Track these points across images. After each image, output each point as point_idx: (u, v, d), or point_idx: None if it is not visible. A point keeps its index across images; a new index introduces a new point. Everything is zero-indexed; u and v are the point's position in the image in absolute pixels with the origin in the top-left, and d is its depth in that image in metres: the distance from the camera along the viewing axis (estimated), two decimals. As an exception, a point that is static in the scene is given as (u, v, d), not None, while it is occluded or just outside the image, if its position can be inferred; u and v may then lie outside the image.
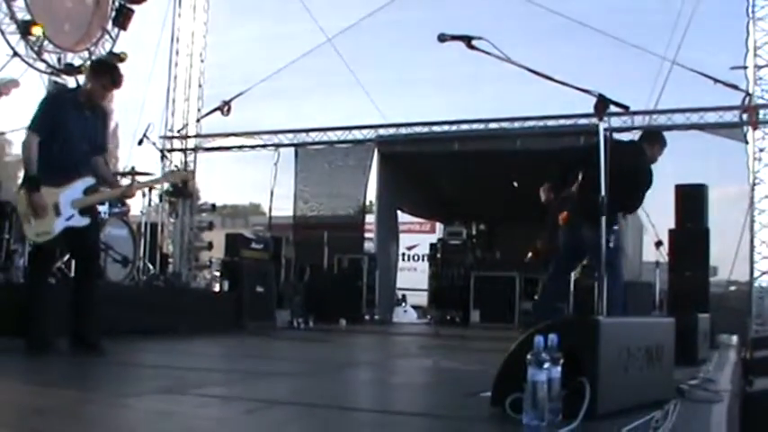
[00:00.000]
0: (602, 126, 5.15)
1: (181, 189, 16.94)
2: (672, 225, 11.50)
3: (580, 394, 3.37)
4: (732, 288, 14.66)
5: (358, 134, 18.15)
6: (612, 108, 5.06)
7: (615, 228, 7.81)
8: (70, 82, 13.09)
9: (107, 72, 6.51)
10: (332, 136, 18.37)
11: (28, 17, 13.23)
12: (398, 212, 20.07)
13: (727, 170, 14.91)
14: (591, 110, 5.14)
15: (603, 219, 5.11)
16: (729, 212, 14.51)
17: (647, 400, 3.83)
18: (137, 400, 4.12)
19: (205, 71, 19.07)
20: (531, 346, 3.32)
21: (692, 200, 11.34)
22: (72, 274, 7.53)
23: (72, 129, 6.22)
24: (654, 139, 8.57)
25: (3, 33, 13.11)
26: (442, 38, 4.71)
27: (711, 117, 14.91)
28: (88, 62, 14.46)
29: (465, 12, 16.06)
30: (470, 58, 5.50)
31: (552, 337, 3.34)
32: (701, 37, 14.99)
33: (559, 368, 3.34)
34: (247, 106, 17.95)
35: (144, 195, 11.89)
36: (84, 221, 6.27)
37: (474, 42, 4.69)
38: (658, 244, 12.13)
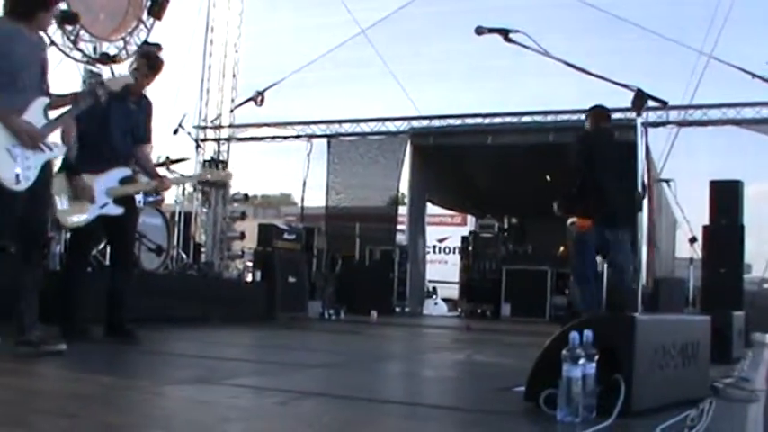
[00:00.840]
0: (639, 121, 5.11)
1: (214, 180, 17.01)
2: (706, 221, 11.40)
3: (615, 391, 3.35)
4: (766, 285, 14.53)
5: (391, 126, 18.16)
6: (649, 102, 5.03)
7: None
8: (105, 71, 13.17)
9: (150, 60, 6.60)
10: (365, 127, 18.39)
11: (64, 7, 13.32)
12: (429, 204, 20.06)
13: (764, 166, 14.76)
14: (624, 104, 5.10)
15: (643, 214, 5.06)
16: (765, 209, 14.39)
17: (682, 398, 3.80)
18: (172, 389, 4.15)
19: (239, 61, 19.13)
20: (566, 341, 3.30)
21: (727, 196, 11.21)
22: (107, 263, 7.59)
23: (114, 118, 6.26)
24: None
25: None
26: (480, 31, 4.70)
27: (748, 112, 14.78)
28: (123, 51, 14.57)
29: (499, 3, 15.95)
30: (505, 51, 5.49)
31: (587, 333, 3.33)
32: (739, 31, 14.82)
33: (594, 364, 3.33)
34: (281, 97, 17.98)
35: (178, 185, 11.95)
36: (117, 210, 6.30)
37: (511, 36, 4.67)
38: (692, 240, 12.02)
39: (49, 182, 5.35)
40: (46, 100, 5.15)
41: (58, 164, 5.85)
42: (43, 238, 5.50)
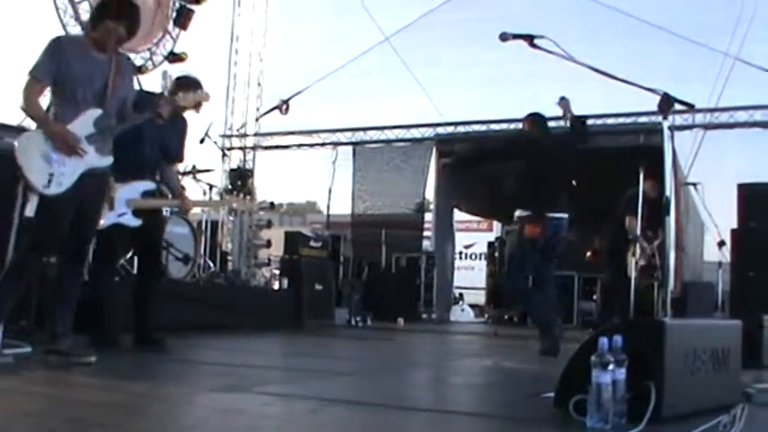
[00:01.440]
0: (665, 124, 5.09)
1: (240, 187, 17.07)
2: (734, 224, 11.32)
3: (645, 397, 3.34)
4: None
5: (416, 133, 18.18)
6: (675, 106, 5.00)
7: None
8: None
9: (190, 86, 6.66)
10: (390, 134, 18.41)
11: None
12: (456, 211, 20.03)
13: (792, 168, 14.67)
14: (651, 107, 5.09)
15: (670, 218, 5.02)
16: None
17: (714, 403, 3.77)
18: (202, 397, 4.17)
19: (264, 70, 19.23)
20: (595, 347, 3.29)
21: (755, 199, 11.13)
22: (135, 272, 7.63)
23: (147, 133, 6.30)
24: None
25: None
26: (504, 37, 4.70)
27: (776, 115, 14.68)
28: (149, 62, 14.67)
29: (523, 9, 16.00)
30: (529, 57, 5.48)
31: (617, 339, 3.32)
32: (766, 32, 14.74)
33: (624, 370, 3.31)
34: (306, 105, 18.07)
35: (204, 193, 12.01)
36: (134, 222, 6.32)
37: (536, 41, 4.66)
38: (721, 244, 11.94)
39: (97, 190, 5.43)
40: (98, 111, 5.22)
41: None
42: (87, 247, 5.56)
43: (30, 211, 5.35)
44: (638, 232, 9.99)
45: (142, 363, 5.80)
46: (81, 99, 5.16)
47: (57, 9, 13.26)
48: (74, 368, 4.83)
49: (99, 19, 5.24)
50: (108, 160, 5.42)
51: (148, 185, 6.51)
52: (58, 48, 5.17)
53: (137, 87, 6.02)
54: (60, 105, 5.14)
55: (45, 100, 5.25)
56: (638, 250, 10.20)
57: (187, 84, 6.71)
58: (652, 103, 4.90)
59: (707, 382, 3.81)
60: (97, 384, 4.36)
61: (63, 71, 5.09)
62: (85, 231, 5.38)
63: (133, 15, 5.33)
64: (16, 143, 5.07)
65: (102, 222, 6.21)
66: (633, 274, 10.06)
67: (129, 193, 6.34)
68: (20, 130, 7.12)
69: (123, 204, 6.30)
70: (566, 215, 8.37)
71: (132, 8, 5.35)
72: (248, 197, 6.32)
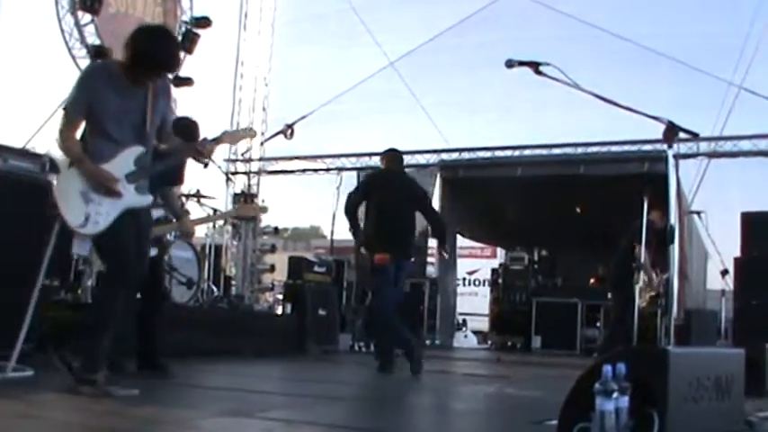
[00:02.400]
0: (670, 152, 5.09)
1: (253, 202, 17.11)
2: (738, 253, 11.31)
3: (648, 425, 3.33)
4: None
5: (420, 158, 18.17)
6: (680, 134, 5.01)
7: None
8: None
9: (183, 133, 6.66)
10: (394, 160, 18.39)
11: (97, 41, 13.50)
12: (459, 237, 20.02)
13: (796, 198, 14.63)
14: (655, 135, 5.10)
15: (674, 247, 5.01)
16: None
17: (717, 431, 3.77)
18: (205, 422, 4.16)
19: (269, 95, 19.28)
20: (598, 374, 3.29)
21: (758, 227, 11.12)
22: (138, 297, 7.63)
23: None
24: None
25: (74, 59, 13.39)
26: (510, 63, 4.71)
27: (780, 144, 14.68)
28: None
29: (527, 35, 16.00)
30: (534, 83, 5.49)
31: (620, 367, 3.31)
32: (770, 61, 14.75)
33: (627, 398, 3.30)
34: (310, 130, 18.07)
35: (207, 222, 12.02)
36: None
37: (542, 68, 4.68)
38: (724, 272, 11.93)
39: (148, 230, 5.42)
40: (140, 149, 5.14)
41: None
42: (137, 282, 5.43)
43: (78, 248, 5.31)
44: (643, 260, 9.96)
45: (146, 388, 5.78)
46: (117, 133, 5.06)
47: (62, 32, 13.32)
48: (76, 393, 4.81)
49: (144, 66, 5.02)
50: (147, 199, 5.35)
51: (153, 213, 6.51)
52: (90, 80, 5.10)
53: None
54: (95, 140, 5.04)
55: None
56: (641, 277, 10.17)
57: (187, 128, 6.73)
58: (656, 130, 4.91)
59: (710, 410, 3.80)
60: (102, 409, 4.36)
61: (97, 105, 4.98)
62: (140, 264, 5.30)
63: (179, 59, 5.24)
64: (54, 181, 5.06)
65: (81, 252, 6.21)
66: (638, 303, 10.04)
67: None
68: (25, 153, 7.18)
69: None
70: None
71: (178, 53, 5.25)
72: (253, 202, 6.25)
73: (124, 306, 5.16)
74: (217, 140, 5.69)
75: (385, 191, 8.84)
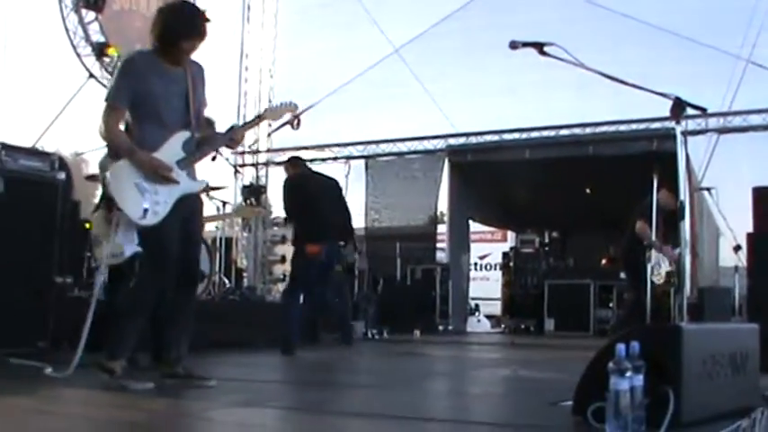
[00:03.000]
0: (678, 129, 5.06)
1: (254, 204, 17.11)
2: (750, 229, 11.25)
3: (664, 403, 3.32)
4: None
5: (428, 144, 18.17)
6: (688, 110, 4.98)
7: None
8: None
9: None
10: (402, 147, 18.42)
11: (102, 39, 13.51)
12: (470, 222, 20.02)
13: (808, 171, 14.56)
14: (663, 113, 5.06)
15: (685, 223, 4.98)
16: (811, 214, 14.16)
17: (733, 408, 3.75)
18: (219, 413, 4.17)
19: (275, 86, 19.27)
20: (612, 354, 3.27)
21: (770, 202, 11.06)
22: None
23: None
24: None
25: (79, 57, 13.41)
26: (514, 45, 4.68)
27: (790, 117, 14.61)
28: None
29: (531, 18, 15.92)
30: (539, 65, 5.47)
31: (634, 345, 3.30)
32: (777, 34, 14.66)
33: (642, 376, 3.29)
34: (317, 119, 18.05)
35: (218, 210, 12.04)
36: None
37: (546, 48, 4.65)
38: (737, 248, 11.87)
39: (194, 210, 5.34)
40: (187, 134, 5.12)
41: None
42: (197, 269, 5.45)
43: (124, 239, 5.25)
44: (654, 238, 9.91)
45: (160, 380, 5.79)
46: (164, 120, 5.02)
47: (67, 31, 13.35)
48: (94, 387, 4.81)
49: (173, 39, 5.03)
50: (201, 183, 5.34)
51: None
52: (132, 68, 5.01)
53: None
54: (141, 128, 4.98)
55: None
56: (653, 255, 10.13)
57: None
58: (664, 108, 4.87)
59: (725, 387, 3.79)
60: (115, 403, 4.36)
61: (141, 92, 4.94)
62: (192, 253, 5.28)
63: (206, 26, 5.20)
64: (107, 174, 4.94)
65: (124, 255, 6.19)
66: (655, 281, 10.01)
67: None
68: (34, 152, 7.18)
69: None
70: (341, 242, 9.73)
71: (204, 18, 5.20)
72: (257, 200, 6.16)
73: (177, 301, 5.15)
74: (254, 121, 5.68)
75: (307, 191, 9.39)
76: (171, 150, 5.04)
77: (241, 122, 17.85)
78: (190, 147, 5.14)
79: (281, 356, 8.50)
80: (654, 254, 10.10)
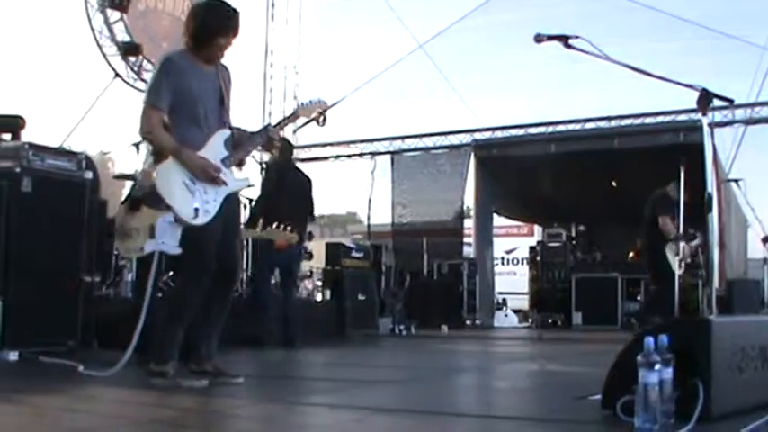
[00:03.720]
0: (705, 121, 5.03)
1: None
2: (779, 220, 11.19)
3: (693, 396, 3.30)
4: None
5: (454, 139, 18.16)
6: (714, 102, 4.95)
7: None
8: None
9: None
10: (427, 142, 18.42)
11: (128, 39, 13.58)
12: (496, 216, 19.98)
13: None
14: (688, 105, 5.05)
15: (713, 215, 4.94)
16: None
17: (764, 400, 3.73)
18: (247, 410, 4.19)
19: (300, 83, 19.30)
20: (640, 347, 3.26)
21: (799, 193, 11.00)
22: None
23: None
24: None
25: (105, 56, 13.49)
26: (539, 38, 4.67)
27: (818, 108, 14.49)
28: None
29: (556, 11, 15.88)
30: (564, 58, 5.47)
31: (662, 338, 3.28)
32: (805, 24, 14.55)
33: (671, 369, 3.28)
34: (343, 116, 18.09)
35: (245, 207, 12.07)
36: (175, 251, 6.08)
37: (571, 42, 4.63)
38: (765, 240, 11.81)
39: (237, 215, 5.36)
40: (227, 133, 5.13)
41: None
42: (238, 267, 5.47)
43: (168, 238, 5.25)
44: (676, 231, 9.90)
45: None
46: (202, 119, 5.03)
47: (92, 30, 13.42)
48: (121, 386, 4.85)
49: (209, 35, 5.05)
50: (245, 182, 5.38)
51: None
52: (171, 68, 4.99)
53: None
54: (184, 127, 4.96)
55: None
56: (677, 247, 10.10)
57: None
58: (691, 100, 4.84)
59: (756, 379, 3.77)
60: (143, 401, 4.39)
61: (180, 92, 4.93)
62: (233, 251, 5.27)
63: (239, 22, 5.22)
64: (155, 175, 4.89)
65: (144, 248, 6.19)
66: (678, 272, 9.98)
67: (168, 220, 6.25)
68: (61, 152, 7.23)
69: (164, 232, 6.20)
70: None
71: (238, 15, 5.22)
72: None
73: (215, 300, 5.14)
74: (289, 118, 5.68)
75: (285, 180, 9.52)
76: (214, 149, 5.04)
77: (266, 120, 17.90)
78: (229, 145, 5.14)
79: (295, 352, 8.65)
80: (674, 247, 10.10)
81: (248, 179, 5.44)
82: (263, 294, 9.48)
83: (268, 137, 5.48)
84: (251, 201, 12.19)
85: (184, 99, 4.97)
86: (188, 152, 4.91)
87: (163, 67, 5.06)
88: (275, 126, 5.61)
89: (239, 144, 5.26)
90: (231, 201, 5.20)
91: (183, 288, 5.05)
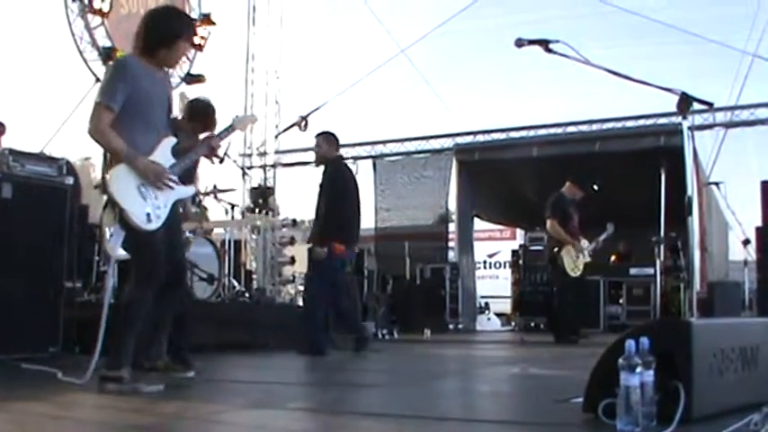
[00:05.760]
0: (685, 124, 5.06)
1: (262, 205, 17.09)
2: (759, 222, 11.23)
3: (675, 398, 3.32)
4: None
5: (435, 143, 18.19)
6: (695, 105, 4.98)
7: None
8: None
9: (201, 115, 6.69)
10: (409, 146, 18.44)
11: (109, 43, 13.53)
12: (478, 220, 20.01)
13: (815, 165, 14.58)
14: (669, 109, 5.07)
15: (693, 218, 4.96)
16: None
17: (745, 402, 3.75)
18: (230, 416, 4.18)
19: (281, 87, 19.28)
20: (621, 350, 3.28)
21: (779, 196, 11.05)
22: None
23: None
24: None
25: (86, 61, 13.43)
26: (520, 43, 4.69)
27: (797, 110, 14.59)
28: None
29: (536, 16, 16.00)
30: (545, 63, 5.48)
31: (644, 341, 3.31)
32: (783, 28, 14.64)
33: (652, 372, 3.30)
34: (324, 120, 18.05)
35: (227, 212, 12.06)
36: (123, 255, 6.11)
37: (551, 46, 4.66)
38: (746, 242, 11.87)
39: (176, 213, 5.30)
40: (173, 140, 5.14)
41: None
42: (184, 271, 5.49)
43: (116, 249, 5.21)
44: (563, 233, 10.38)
45: (170, 383, 5.81)
46: (152, 124, 5.02)
47: (73, 36, 13.36)
48: (101, 392, 4.83)
49: (171, 39, 5.07)
50: (192, 190, 5.48)
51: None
52: (127, 69, 4.98)
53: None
54: (135, 131, 4.91)
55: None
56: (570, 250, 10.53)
57: (206, 110, 6.77)
58: (671, 103, 4.87)
59: (736, 381, 3.79)
60: (126, 406, 4.38)
61: (135, 95, 4.90)
62: (178, 256, 5.31)
63: (192, 21, 5.24)
64: (108, 177, 4.88)
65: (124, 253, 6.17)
66: (571, 273, 11.00)
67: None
68: (42, 157, 7.21)
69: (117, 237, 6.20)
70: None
71: (188, 15, 5.25)
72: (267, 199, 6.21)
73: (164, 302, 5.16)
74: (228, 131, 5.70)
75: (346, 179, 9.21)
76: (163, 155, 5.06)
77: (249, 126, 17.91)
78: (176, 152, 5.17)
79: (305, 357, 8.54)
80: (569, 249, 10.48)
81: (195, 189, 5.47)
82: (319, 308, 9.10)
83: (211, 146, 5.54)
84: (233, 206, 12.21)
85: (139, 103, 4.94)
86: (142, 158, 4.91)
87: (118, 68, 5.08)
88: (217, 136, 5.66)
89: (182, 152, 5.28)
90: (175, 207, 5.23)
91: (134, 293, 5.04)
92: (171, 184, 5.02)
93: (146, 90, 4.98)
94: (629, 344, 3.25)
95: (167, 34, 5.11)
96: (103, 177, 5.18)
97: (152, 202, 4.94)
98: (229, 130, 5.69)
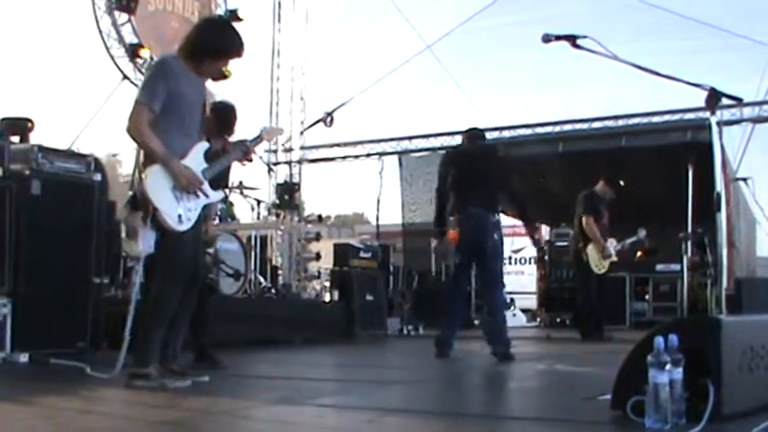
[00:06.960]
0: (713, 119, 5.03)
1: (287, 201, 17.12)
2: (787, 218, 11.15)
3: (704, 396, 3.30)
4: None
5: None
6: (723, 101, 4.94)
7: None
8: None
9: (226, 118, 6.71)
10: (435, 142, 18.38)
11: (136, 40, 13.59)
12: (503, 215, 19.94)
13: None
14: (697, 104, 5.04)
15: (722, 214, 4.93)
16: None
17: (774, 399, 3.73)
18: (258, 411, 4.19)
19: (307, 84, 19.29)
20: (650, 347, 3.26)
21: (808, 191, 10.97)
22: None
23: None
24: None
25: (113, 58, 13.50)
26: (547, 38, 4.67)
27: (826, 106, 14.45)
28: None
29: (563, 11, 16.00)
30: (572, 58, 5.46)
31: (672, 338, 3.28)
32: (812, 22, 14.53)
33: (681, 369, 3.28)
34: (350, 116, 18.10)
35: (252, 209, 12.11)
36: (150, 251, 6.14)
37: (579, 41, 4.63)
38: (774, 238, 11.79)
39: (201, 220, 5.35)
40: (206, 145, 5.19)
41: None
42: (204, 278, 5.54)
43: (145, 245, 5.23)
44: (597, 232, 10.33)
45: (198, 380, 5.84)
46: (187, 127, 5.06)
47: (100, 33, 13.42)
48: (135, 387, 4.85)
49: (221, 53, 5.17)
50: (221, 195, 5.50)
51: None
52: (168, 70, 5.02)
53: None
54: (168, 133, 4.94)
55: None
56: (594, 248, 10.50)
57: (228, 114, 6.78)
58: (698, 98, 4.85)
59: (766, 378, 3.76)
60: (156, 402, 4.40)
61: (174, 97, 4.93)
62: (200, 255, 5.38)
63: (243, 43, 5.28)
64: (145, 177, 4.93)
65: (147, 250, 6.20)
66: (600, 271, 10.94)
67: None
68: (70, 154, 7.26)
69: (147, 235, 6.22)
70: (490, 213, 8.45)
71: (240, 36, 5.26)
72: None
73: (181, 302, 5.18)
74: (257, 140, 5.73)
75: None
76: (196, 159, 5.10)
77: (273, 122, 17.90)
78: (208, 156, 5.21)
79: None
80: (593, 247, 10.47)
81: (223, 194, 5.51)
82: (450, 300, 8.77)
83: (245, 151, 5.58)
84: (258, 202, 12.25)
85: (177, 105, 4.98)
86: (177, 161, 4.95)
87: (161, 69, 5.11)
88: (252, 142, 5.69)
89: (213, 156, 5.32)
90: (205, 210, 5.30)
91: (162, 291, 5.07)
92: (200, 193, 5.07)
93: (184, 93, 5.02)
94: (658, 341, 3.24)
95: (219, 47, 5.18)
96: (138, 175, 5.23)
97: (184, 204, 5.00)
98: (257, 140, 5.73)
